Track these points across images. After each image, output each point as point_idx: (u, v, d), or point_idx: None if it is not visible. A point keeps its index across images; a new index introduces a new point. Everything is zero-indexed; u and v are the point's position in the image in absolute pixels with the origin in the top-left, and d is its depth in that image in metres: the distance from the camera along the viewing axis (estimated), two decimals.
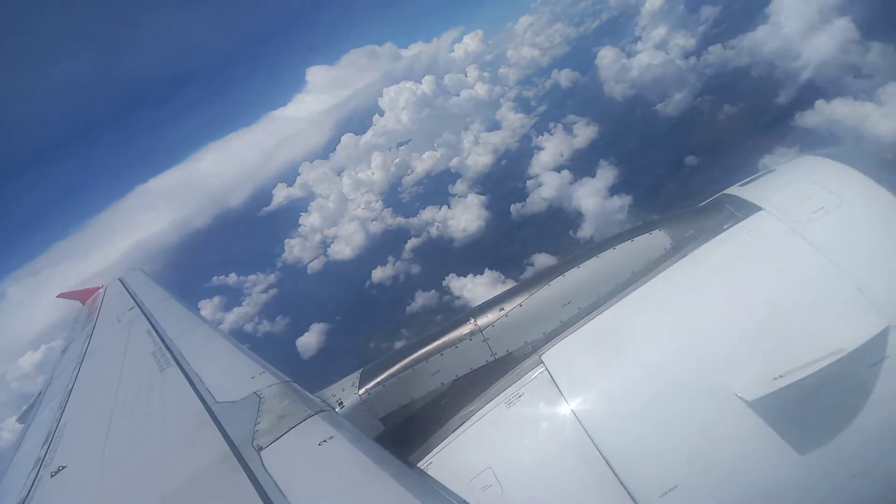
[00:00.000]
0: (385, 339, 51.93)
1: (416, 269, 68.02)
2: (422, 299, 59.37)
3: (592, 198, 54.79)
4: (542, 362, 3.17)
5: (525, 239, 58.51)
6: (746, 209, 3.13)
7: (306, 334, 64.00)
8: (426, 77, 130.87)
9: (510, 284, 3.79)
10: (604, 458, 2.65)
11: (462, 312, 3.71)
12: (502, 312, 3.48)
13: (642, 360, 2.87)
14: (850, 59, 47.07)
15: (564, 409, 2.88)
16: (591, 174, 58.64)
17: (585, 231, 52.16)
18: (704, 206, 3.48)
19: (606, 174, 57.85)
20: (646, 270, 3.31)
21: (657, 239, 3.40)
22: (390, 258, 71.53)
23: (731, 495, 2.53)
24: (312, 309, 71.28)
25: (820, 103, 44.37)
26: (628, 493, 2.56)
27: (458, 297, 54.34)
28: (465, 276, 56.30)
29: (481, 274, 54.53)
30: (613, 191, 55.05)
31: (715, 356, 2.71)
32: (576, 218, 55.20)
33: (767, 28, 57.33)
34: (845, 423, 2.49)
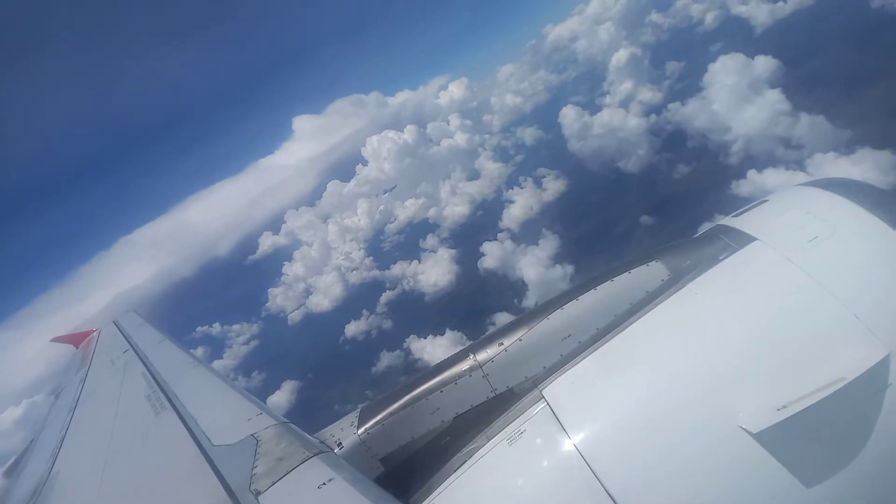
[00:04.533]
0: (350, 400, 50.17)
1: (387, 324, 67.01)
2: (387, 359, 58.43)
3: (537, 267, 55.05)
4: (543, 397, 2.99)
5: (491, 295, 57.80)
6: (741, 240, 3.02)
7: (277, 392, 62.44)
8: (408, 126, 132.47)
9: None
10: (609, 493, 2.46)
11: (462, 348, 3.52)
12: (501, 347, 3.30)
13: (644, 394, 2.71)
14: (779, 131, 48.77)
15: (567, 444, 2.69)
16: (552, 231, 59.34)
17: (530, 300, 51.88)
18: (700, 236, 3.36)
19: (567, 237, 58.45)
20: (644, 302, 3.16)
21: (654, 270, 3.26)
22: (365, 311, 70.78)
23: None
24: (287, 365, 70.10)
25: (752, 173, 45.64)
26: None
27: (419, 359, 53.53)
28: (426, 338, 55.75)
29: (442, 335, 53.98)
30: (578, 252, 55.36)
31: (717, 388, 2.55)
32: (521, 287, 55.09)
33: (702, 99, 59.57)
34: (851, 453, 2.35)
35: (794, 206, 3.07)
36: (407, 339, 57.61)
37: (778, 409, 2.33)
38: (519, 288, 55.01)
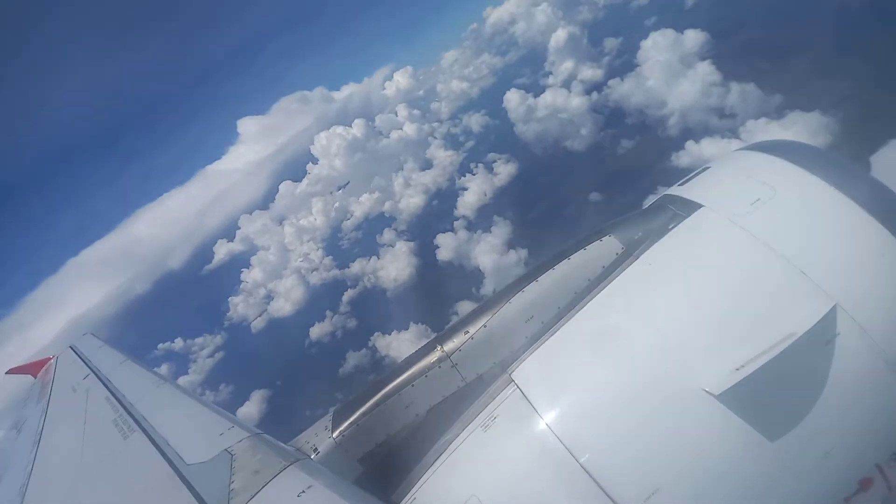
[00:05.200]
0: (321, 404, 47.95)
1: (352, 323, 65.69)
2: (354, 359, 57.43)
3: (492, 254, 55.03)
4: (513, 381, 3.01)
5: (451, 285, 56.84)
6: (688, 208, 3.08)
7: (247, 403, 60.42)
8: (356, 121, 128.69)
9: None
10: (584, 469, 2.50)
11: (428, 340, 3.50)
12: (467, 335, 3.28)
13: (609, 367, 2.75)
14: (711, 102, 49.84)
15: (540, 425, 2.72)
16: (503, 218, 59.05)
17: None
18: (649, 208, 3.40)
19: (519, 221, 58.18)
20: (601, 277, 3.20)
21: (608, 245, 3.29)
22: (328, 312, 69.08)
23: (712, 489, 2.42)
24: (254, 374, 68.04)
25: (690, 144, 46.63)
26: (613, 502, 2.41)
27: (386, 356, 52.79)
28: (390, 334, 54.88)
29: (406, 329, 53.30)
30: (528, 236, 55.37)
31: (678, 354, 2.62)
32: (478, 275, 54.96)
33: (637, 76, 60.43)
34: (808, 404, 2.44)
35: (734, 171, 3.17)
36: (372, 337, 56.81)
37: (737, 370, 2.40)
38: (476, 276, 54.87)
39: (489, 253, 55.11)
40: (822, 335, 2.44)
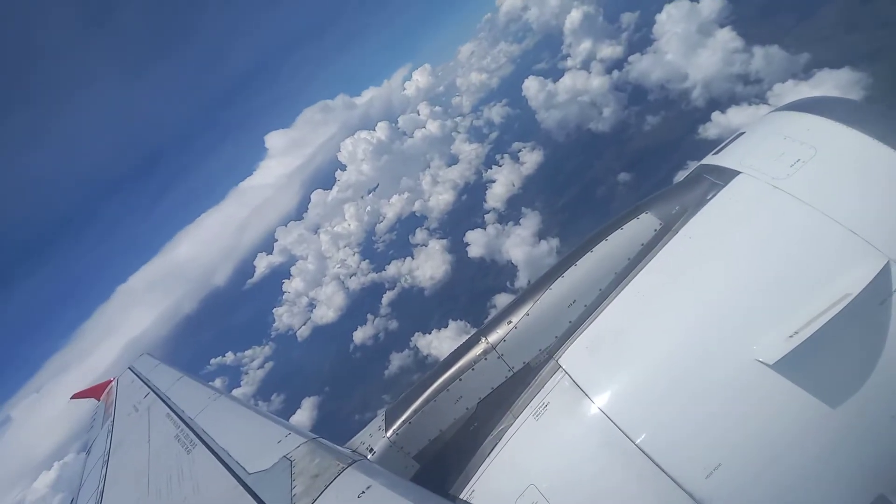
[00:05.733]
0: (369, 407, 49.72)
1: (393, 324, 66.66)
2: (398, 360, 57.94)
3: (523, 247, 54.62)
4: (561, 366, 2.97)
5: (487, 279, 57.20)
6: (726, 176, 2.96)
7: (299, 411, 62.26)
8: (379, 124, 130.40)
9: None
10: (641, 450, 2.44)
11: (472, 333, 3.46)
12: (511, 325, 3.23)
13: (657, 345, 2.68)
14: (735, 69, 48.34)
15: (592, 409, 2.66)
16: (531, 209, 58.65)
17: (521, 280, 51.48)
18: (685, 180, 3.29)
19: (549, 209, 57.77)
20: (641, 255, 3.12)
21: (645, 222, 3.19)
22: (369, 316, 70.32)
23: (776, 461, 2.33)
24: (304, 382, 69.86)
25: (716, 114, 45.65)
26: (673, 481, 2.34)
27: (428, 355, 52.95)
28: (430, 333, 55.17)
29: (445, 327, 53.51)
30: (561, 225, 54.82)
31: (728, 326, 2.52)
32: (511, 269, 54.46)
33: (655, 51, 59.00)
34: (869, 367, 2.33)
35: (770, 134, 3.03)
36: (413, 337, 57.35)
37: (790, 337, 2.31)
38: (510, 270, 54.60)
39: (520, 245, 54.92)
40: (877, 293, 2.33)
